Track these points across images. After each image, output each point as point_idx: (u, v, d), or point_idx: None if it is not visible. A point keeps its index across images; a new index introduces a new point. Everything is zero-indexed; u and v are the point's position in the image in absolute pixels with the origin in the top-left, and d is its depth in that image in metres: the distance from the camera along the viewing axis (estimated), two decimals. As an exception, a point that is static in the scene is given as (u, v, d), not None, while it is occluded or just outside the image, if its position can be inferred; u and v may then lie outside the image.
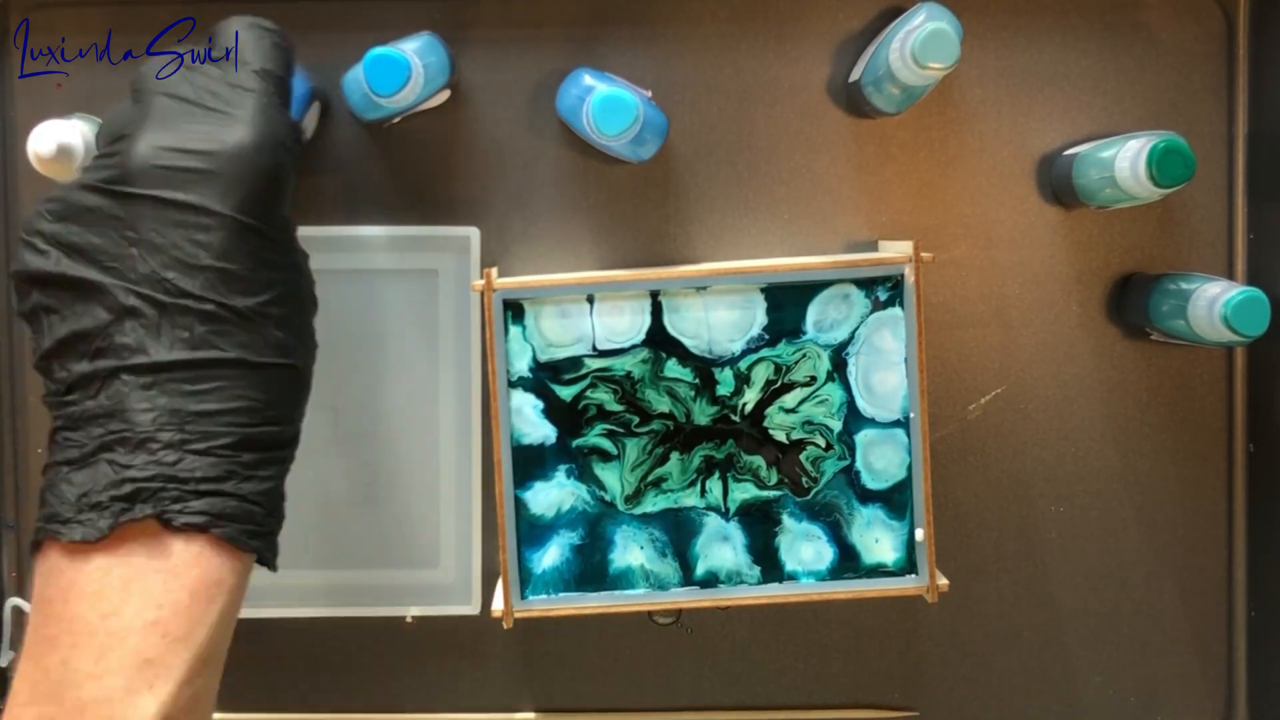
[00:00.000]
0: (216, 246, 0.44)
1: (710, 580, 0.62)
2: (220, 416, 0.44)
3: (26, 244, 0.46)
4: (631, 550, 0.62)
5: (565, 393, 0.61)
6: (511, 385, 0.61)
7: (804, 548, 0.62)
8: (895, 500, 0.61)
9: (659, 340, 0.61)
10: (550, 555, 0.62)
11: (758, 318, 0.61)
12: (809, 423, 0.61)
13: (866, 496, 0.62)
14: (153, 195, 0.44)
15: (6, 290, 0.67)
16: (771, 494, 0.62)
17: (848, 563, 0.62)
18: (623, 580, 0.62)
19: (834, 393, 0.61)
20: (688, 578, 0.62)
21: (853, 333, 0.61)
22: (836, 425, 0.61)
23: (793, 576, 0.62)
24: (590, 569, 0.62)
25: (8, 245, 0.67)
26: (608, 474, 0.62)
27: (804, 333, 0.61)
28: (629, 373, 0.61)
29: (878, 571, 0.62)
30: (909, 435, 0.61)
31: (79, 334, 0.44)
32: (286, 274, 0.47)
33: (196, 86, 0.47)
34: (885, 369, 0.61)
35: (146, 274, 0.44)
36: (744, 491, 0.62)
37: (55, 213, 0.46)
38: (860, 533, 0.62)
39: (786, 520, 0.62)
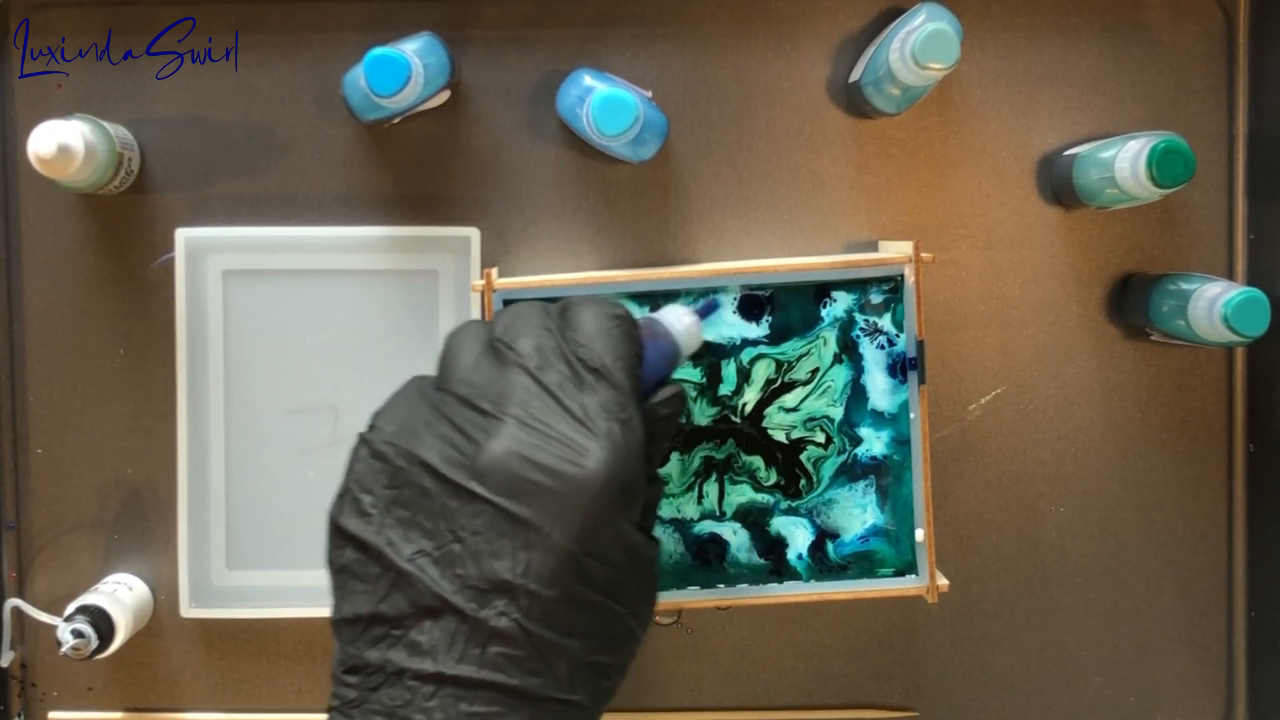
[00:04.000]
0: (536, 570, 0.41)
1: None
2: None
3: (355, 498, 0.44)
4: None
5: None
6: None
7: (796, 534, 0.62)
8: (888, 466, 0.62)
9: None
10: None
11: None
12: (810, 419, 0.61)
13: (859, 473, 0.62)
14: (495, 502, 0.42)
15: (7, 289, 0.67)
16: (768, 497, 0.62)
17: (831, 539, 0.62)
18: None
19: (838, 376, 0.61)
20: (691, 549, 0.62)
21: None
22: (838, 413, 0.61)
23: (795, 572, 0.62)
24: None
25: (8, 245, 0.67)
26: None
27: (816, 323, 0.61)
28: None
29: (870, 559, 0.62)
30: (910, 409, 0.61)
31: (377, 616, 0.42)
32: (600, 616, 0.44)
33: (560, 375, 0.44)
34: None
35: (461, 575, 0.42)
36: (740, 495, 0.62)
37: (392, 478, 0.43)
38: (845, 511, 0.62)
39: (779, 518, 0.62)
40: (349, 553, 0.44)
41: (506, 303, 0.60)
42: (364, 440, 0.45)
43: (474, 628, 0.41)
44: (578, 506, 0.42)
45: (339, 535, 0.44)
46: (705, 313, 0.50)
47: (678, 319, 0.48)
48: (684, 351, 0.48)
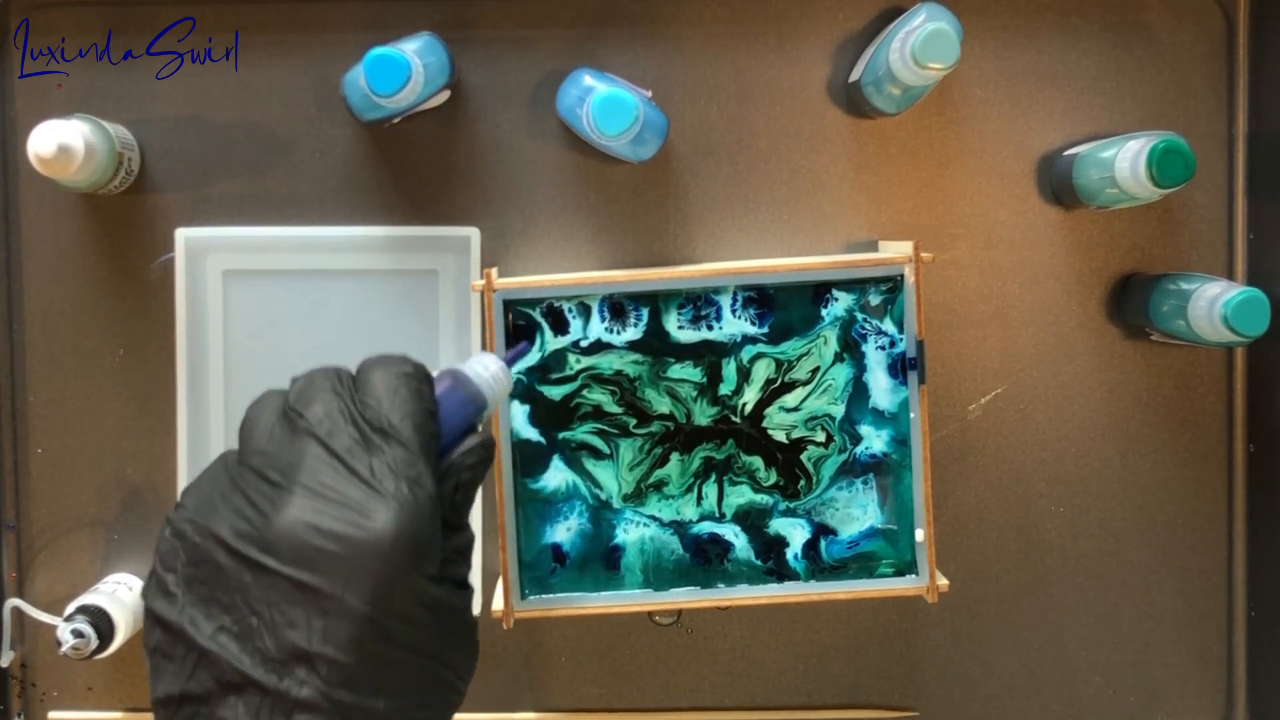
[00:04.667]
0: (333, 636, 0.42)
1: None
2: None
3: (159, 579, 0.44)
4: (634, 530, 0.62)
5: (554, 393, 0.61)
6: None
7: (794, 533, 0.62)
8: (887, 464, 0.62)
9: (658, 345, 0.61)
10: (561, 530, 0.62)
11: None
12: (811, 418, 0.61)
13: (858, 470, 0.62)
14: (285, 574, 0.42)
15: (7, 289, 0.67)
16: (767, 498, 0.62)
17: (827, 535, 0.62)
18: (626, 554, 0.62)
19: (839, 374, 0.61)
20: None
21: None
22: (839, 411, 0.61)
23: (794, 573, 0.62)
24: (600, 540, 0.62)
25: (8, 245, 0.67)
26: (602, 472, 0.62)
27: (816, 323, 0.61)
28: (620, 371, 0.61)
29: (866, 558, 0.62)
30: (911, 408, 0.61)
31: (186, 696, 0.43)
32: (409, 673, 0.44)
33: (349, 438, 0.44)
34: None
35: (261, 649, 0.42)
36: (740, 496, 0.62)
37: (190, 555, 0.44)
38: (844, 513, 0.62)
39: (778, 520, 0.62)
40: (157, 634, 0.44)
41: (509, 302, 0.60)
42: (167, 519, 0.46)
43: (276, 700, 0.42)
44: (368, 569, 0.42)
45: (149, 617, 0.45)
46: (514, 359, 0.50)
47: (484, 367, 0.48)
48: (492, 399, 0.48)
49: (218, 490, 0.45)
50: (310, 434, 0.44)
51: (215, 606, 0.43)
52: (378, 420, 0.45)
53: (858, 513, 0.62)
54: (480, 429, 0.48)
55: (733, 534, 0.62)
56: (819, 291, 0.61)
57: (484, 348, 0.62)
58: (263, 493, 0.44)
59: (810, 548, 0.62)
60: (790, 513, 0.62)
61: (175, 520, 0.45)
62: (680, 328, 0.61)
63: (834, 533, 0.62)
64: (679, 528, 0.62)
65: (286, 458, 0.44)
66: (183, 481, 0.66)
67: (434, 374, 0.48)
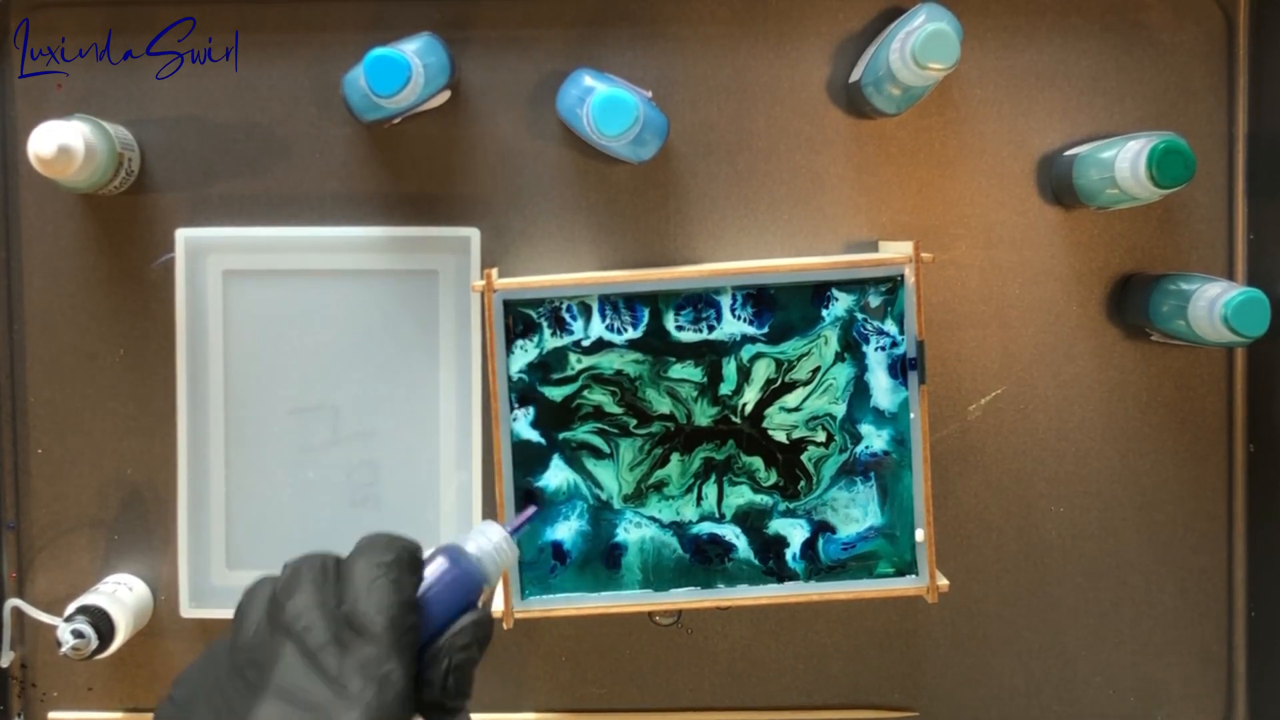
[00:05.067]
0: None
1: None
2: None
3: None
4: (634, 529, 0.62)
5: (555, 393, 0.61)
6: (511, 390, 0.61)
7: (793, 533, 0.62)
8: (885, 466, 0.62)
9: (658, 345, 0.61)
10: (561, 530, 0.62)
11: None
12: (812, 418, 0.61)
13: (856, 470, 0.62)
14: None
15: (7, 289, 0.67)
16: (766, 498, 0.62)
17: (825, 533, 0.62)
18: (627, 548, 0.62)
19: (840, 374, 0.61)
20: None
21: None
22: (840, 410, 0.61)
23: (794, 573, 0.62)
24: (600, 540, 0.62)
25: (8, 245, 0.67)
26: (602, 471, 0.62)
27: (816, 323, 0.61)
28: (620, 371, 0.61)
29: (865, 559, 0.62)
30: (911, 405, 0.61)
31: None
32: None
33: (323, 636, 0.44)
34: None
35: None
36: (739, 496, 0.62)
37: None
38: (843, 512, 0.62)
39: (777, 520, 0.62)
40: None
41: (509, 302, 0.60)
42: (157, 710, 0.45)
43: None
44: None
45: None
46: (519, 526, 0.50)
47: (487, 539, 0.48)
48: (493, 571, 0.48)
49: (203, 685, 0.45)
50: (287, 630, 0.44)
51: None
52: (353, 615, 0.45)
53: (857, 513, 0.62)
54: (481, 603, 0.47)
55: (733, 535, 0.62)
56: (819, 292, 0.61)
57: (484, 348, 0.62)
58: (239, 694, 0.44)
59: (809, 547, 0.62)
60: (790, 513, 0.62)
61: (161, 714, 0.45)
62: (680, 328, 0.61)
63: (833, 531, 0.62)
64: (679, 528, 0.62)
65: (264, 654, 0.44)
66: (183, 481, 0.66)
67: (427, 553, 0.47)
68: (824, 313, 0.61)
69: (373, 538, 0.48)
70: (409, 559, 0.47)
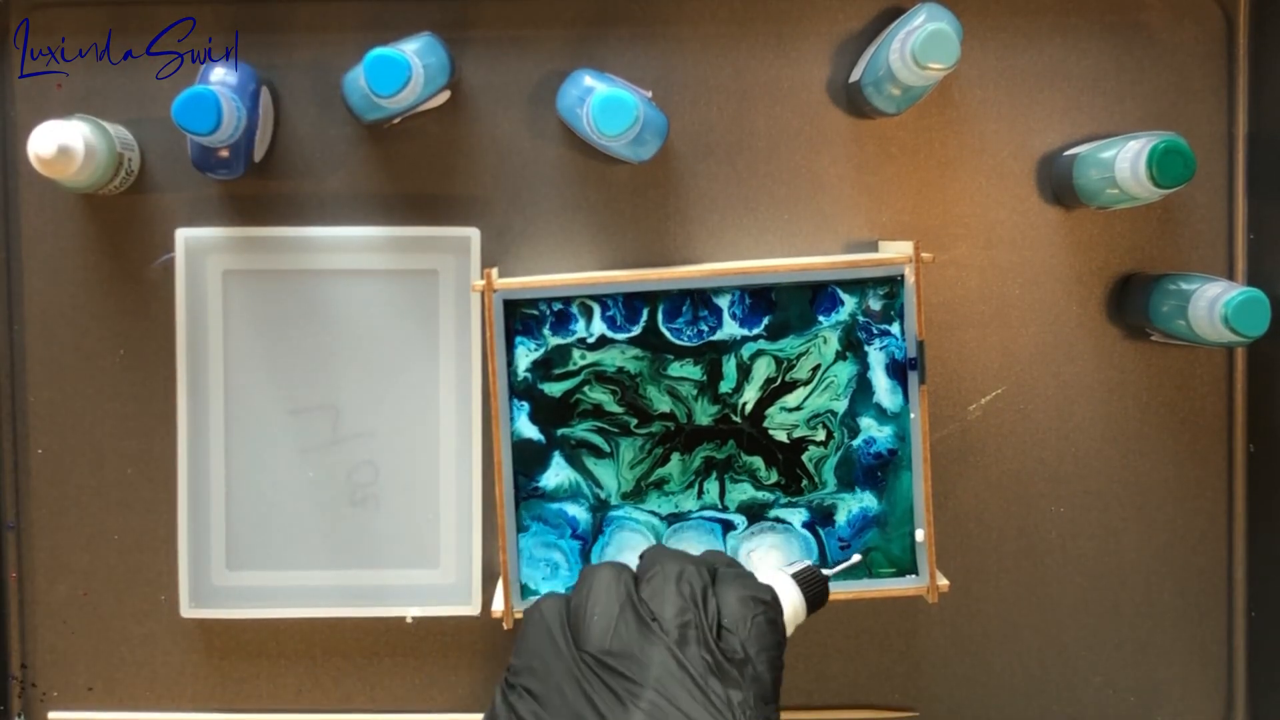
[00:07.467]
0: None
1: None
2: None
3: None
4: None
5: (555, 389, 0.61)
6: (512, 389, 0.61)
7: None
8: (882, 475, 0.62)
9: (657, 342, 0.61)
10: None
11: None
12: (814, 416, 0.61)
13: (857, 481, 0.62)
14: None
15: (7, 289, 0.67)
16: (768, 495, 0.62)
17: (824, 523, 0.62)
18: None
19: (841, 372, 0.61)
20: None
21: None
22: (841, 407, 0.61)
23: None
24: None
25: (8, 245, 0.67)
26: (602, 470, 0.62)
27: (814, 322, 0.61)
28: (622, 368, 0.61)
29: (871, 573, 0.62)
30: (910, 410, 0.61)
31: None
32: None
33: (702, 660, 0.43)
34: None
35: None
36: (741, 493, 0.62)
37: None
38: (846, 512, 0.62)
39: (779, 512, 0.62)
40: None
41: (506, 303, 0.60)
42: (509, 703, 0.44)
43: None
44: None
45: None
46: (836, 572, 0.51)
47: (788, 599, 0.50)
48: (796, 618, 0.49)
49: (555, 680, 0.44)
50: (662, 641, 0.43)
51: None
52: (732, 649, 0.44)
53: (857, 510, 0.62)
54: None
55: (739, 522, 0.62)
56: (818, 292, 0.61)
57: (484, 348, 0.62)
58: (606, 700, 0.42)
59: (810, 530, 0.62)
60: (791, 505, 0.62)
61: (519, 708, 0.44)
62: (675, 331, 0.61)
63: (832, 523, 0.62)
64: (676, 520, 0.62)
65: (634, 659, 0.43)
66: (183, 481, 0.66)
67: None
68: (827, 318, 0.61)
69: (737, 571, 0.47)
70: (779, 603, 0.47)
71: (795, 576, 0.54)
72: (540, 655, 0.45)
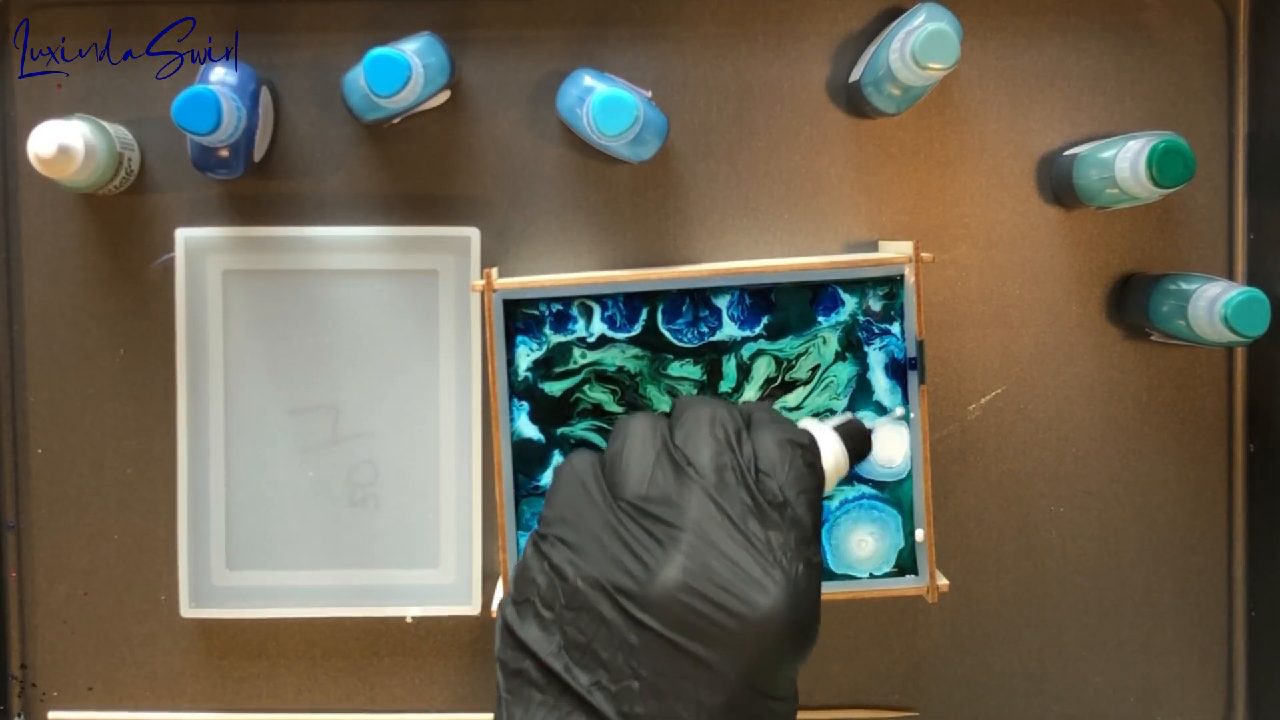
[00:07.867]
0: (716, 709, 0.41)
1: None
2: None
3: (536, 612, 0.43)
4: None
5: (554, 388, 0.61)
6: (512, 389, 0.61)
7: None
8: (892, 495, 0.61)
9: (656, 341, 0.61)
10: None
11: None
12: (813, 416, 0.61)
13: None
14: (670, 639, 0.41)
15: (7, 289, 0.67)
16: None
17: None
18: None
19: (841, 372, 0.61)
20: None
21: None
22: (841, 407, 0.61)
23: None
24: None
25: (8, 245, 0.67)
26: None
27: (814, 322, 0.61)
28: (622, 368, 0.61)
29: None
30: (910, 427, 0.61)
31: None
32: None
33: (740, 503, 0.42)
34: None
35: (640, 714, 0.41)
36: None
37: (570, 600, 0.42)
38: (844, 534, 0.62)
39: None
40: (527, 663, 0.43)
41: (509, 302, 0.60)
42: (541, 552, 0.44)
43: None
44: (756, 649, 0.41)
45: (516, 642, 0.43)
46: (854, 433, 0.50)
47: (830, 451, 0.48)
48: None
49: (591, 529, 0.43)
50: (699, 484, 0.43)
51: (592, 659, 0.42)
52: (772, 492, 0.43)
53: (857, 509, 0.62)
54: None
55: None
56: (818, 292, 0.61)
57: (484, 348, 0.62)
58: (645, 544, 0.42)
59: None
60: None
61: (552, 556, 0.43)
62: (675, 331, 0.61)
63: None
64: None
65: (670, 503, 0.42)
66: (183, 481, 0.66)
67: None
68: (827, 318, 0.61)
69: (770, 413, 0.46)
70: (816, 447, 0.46)
71: (837, 429, 0.52)
72: (574, 505, 0.44)
